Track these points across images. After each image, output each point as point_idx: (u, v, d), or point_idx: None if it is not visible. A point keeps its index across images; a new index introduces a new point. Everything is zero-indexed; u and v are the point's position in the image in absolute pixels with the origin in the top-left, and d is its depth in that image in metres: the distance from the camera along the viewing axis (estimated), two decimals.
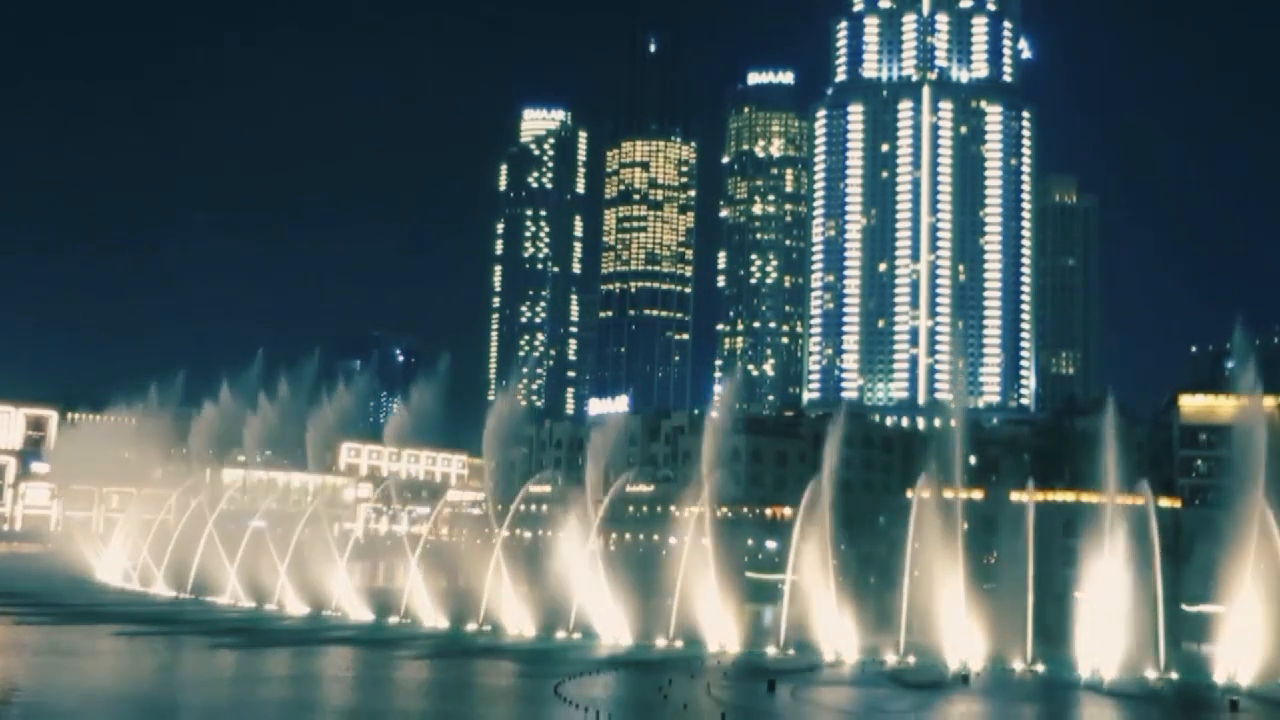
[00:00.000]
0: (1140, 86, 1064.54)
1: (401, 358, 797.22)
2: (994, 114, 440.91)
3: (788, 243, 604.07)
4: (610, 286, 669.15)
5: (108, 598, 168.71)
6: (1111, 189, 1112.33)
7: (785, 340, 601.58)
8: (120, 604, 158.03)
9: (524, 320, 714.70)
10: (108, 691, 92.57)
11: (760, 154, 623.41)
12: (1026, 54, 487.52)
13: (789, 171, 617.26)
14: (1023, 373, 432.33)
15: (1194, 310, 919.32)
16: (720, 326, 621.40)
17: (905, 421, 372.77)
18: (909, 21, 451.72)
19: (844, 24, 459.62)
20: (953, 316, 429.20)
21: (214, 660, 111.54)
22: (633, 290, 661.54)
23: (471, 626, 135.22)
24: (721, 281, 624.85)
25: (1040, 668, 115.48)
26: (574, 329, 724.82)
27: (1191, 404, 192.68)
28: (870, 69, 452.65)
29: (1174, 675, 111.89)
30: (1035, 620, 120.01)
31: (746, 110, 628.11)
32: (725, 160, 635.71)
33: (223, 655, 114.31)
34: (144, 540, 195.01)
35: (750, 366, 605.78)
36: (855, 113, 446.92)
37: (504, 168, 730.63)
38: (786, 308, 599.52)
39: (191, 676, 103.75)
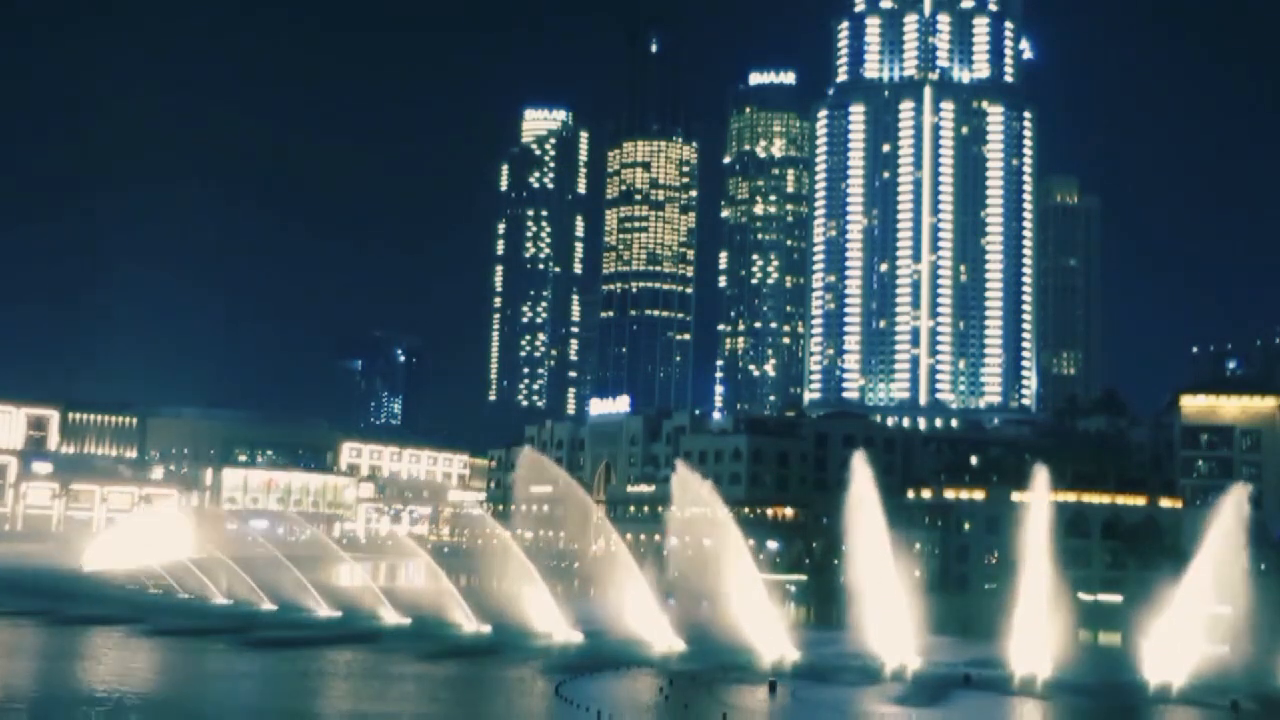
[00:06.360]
0: (1141, 87, 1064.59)
1: (403, 358, 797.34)
2: (995, 114, 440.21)
3: (789, 243, 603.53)
4: (611, 287, 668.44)
5: (105, 598, 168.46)
6: (1113, 190, 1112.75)
7: (786, 340, 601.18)
8: (118, 605, 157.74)
9: (525, 320, 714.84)
10: (104, 694, 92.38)
11: (761, 154, 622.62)
12: (1028, 54, 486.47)
13: (790, 172, 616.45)
14: (1024, 373, 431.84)
15: (1195, 310, 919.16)
16: (721, 327, 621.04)
17: (906, 422, 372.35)
18: (910, 22, 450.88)
19: (845, 24, 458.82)
20: (954, 317, 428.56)
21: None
22: (634, 290, 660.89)
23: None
24: (723, 282, 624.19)
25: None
26: (575, 329, 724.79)
27: (1193, 404, 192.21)
28: (871, 69, 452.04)
29: (1173, 676, 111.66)
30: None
31: (748, 110, 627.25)
32: (726, 160, 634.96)
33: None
34: (144, 540, 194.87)
35: (751, 367, 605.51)
36: (856, 113, 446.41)
37: (505, 168, 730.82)
38: (788, 308, 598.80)
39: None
